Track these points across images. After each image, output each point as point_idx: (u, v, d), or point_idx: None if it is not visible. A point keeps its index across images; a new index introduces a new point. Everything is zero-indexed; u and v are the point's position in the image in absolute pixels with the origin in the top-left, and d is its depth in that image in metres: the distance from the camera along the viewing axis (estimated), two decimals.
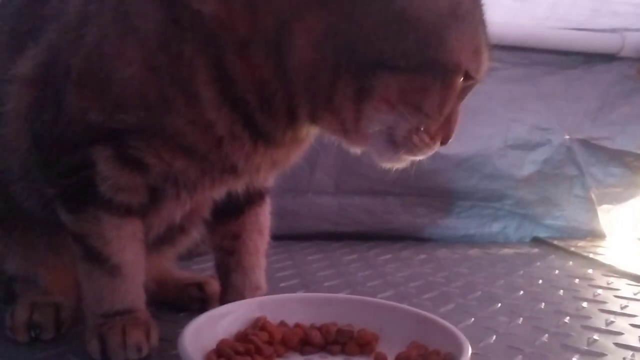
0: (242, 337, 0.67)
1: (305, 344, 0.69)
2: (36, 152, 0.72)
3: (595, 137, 1.59)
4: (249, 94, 0.64)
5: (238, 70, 0.63)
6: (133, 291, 0.74)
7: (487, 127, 1.53)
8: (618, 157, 1.60)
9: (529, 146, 1.54)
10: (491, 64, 0.64)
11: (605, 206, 1.62)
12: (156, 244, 0.80)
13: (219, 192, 0.79)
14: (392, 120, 0.61)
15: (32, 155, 0.72)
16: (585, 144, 1.59)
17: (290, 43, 0.60)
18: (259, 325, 0.69)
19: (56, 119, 0.68)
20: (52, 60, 0.70)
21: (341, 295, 0.94)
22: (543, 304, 1.01)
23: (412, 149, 0.63)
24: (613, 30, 1.59)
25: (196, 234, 0.90)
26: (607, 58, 1.62)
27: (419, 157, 0.66)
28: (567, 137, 1.57)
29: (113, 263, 0.71)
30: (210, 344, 0.65)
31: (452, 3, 0.59)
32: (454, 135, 0.65)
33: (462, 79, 0.61)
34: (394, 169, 0.68)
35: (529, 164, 1.55)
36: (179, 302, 0.89)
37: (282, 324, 0.70)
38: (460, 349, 0.60)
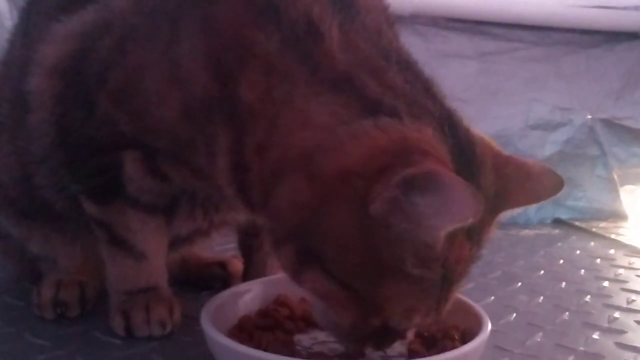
0: (264, 313, 0.68)
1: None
2: (62, 149, 0.72)
3: (618, 116, 1.57)
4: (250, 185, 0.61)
5: (250, 163, 0.59)
6: (156, 271, 0.76)
7: (507, 107, 1.52)
8: None
9: (550, 126, 1.53)
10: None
11: (627, 187, 1.60)
12: (174, 244, 0.80)
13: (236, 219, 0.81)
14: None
15: (56, 149, 0.72)
16: (608, 123, 1.57)
17: (277, 193, 0.56)
18: (280, 301, 0.70)
19: (86, 120, 0.69)
20: (82, 55, 0.69)
21: None
22: (564, 283, 1.01)
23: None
24: (636, 8, 1.56)
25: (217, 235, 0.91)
26: (630, 36, 1.59)
27: None
28: (589, 116, 1.56)
29: (138, 249, 0.73)
30: (232, 320, 0.66)
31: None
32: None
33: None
34: None
35: (550, 144, 1.53)
36: (202, 281, 0.91)
37: (303, 300, 0.71)
38: (479, 325, 0.60)
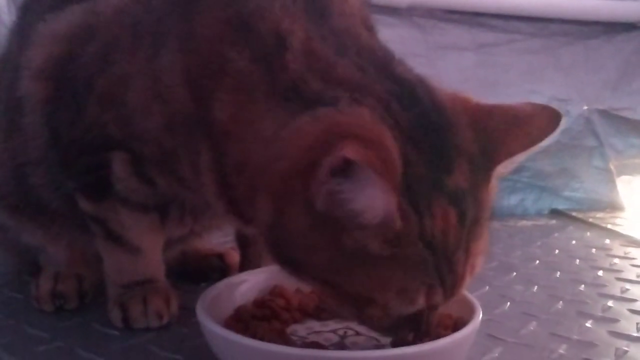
0: (260, 303, 0.69)
1: (321, 310, 0.70)
2: (54, 148, 0.73)
3: (615, 107, 1.58)
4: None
5: (233, 182, 0.59)
6: (152, 264, 0.77)
7: (505, 99, 1.48)
8: (639, 128, 1.58)
9: None
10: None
11: (624, 177, 1.60)
12: (166, 245, 0.81)
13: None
14: None
15: (50, 148, 0.74)
16: (605, 114, 1.57)
17: (256, 209, 0.56)
18: (276, 292, 0.71)
19: (74, 122, 0.69)
20: (68, 59, 0.70)
21: None
22: (559, 272, 1.02)
23: None
24: None
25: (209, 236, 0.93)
26: (627, 27, 1.59)
27: None
28: (586, 107, 1.56)
29: (133, 245, 0.74)
30: (228, 310, 0.67)
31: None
32: None
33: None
34: None
35: None
36: (200, 273, 0.91)
37: (299, 291, 0.72)
38: (471, 313, 0.61)
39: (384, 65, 0.57)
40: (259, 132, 0.55)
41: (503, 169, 0.56)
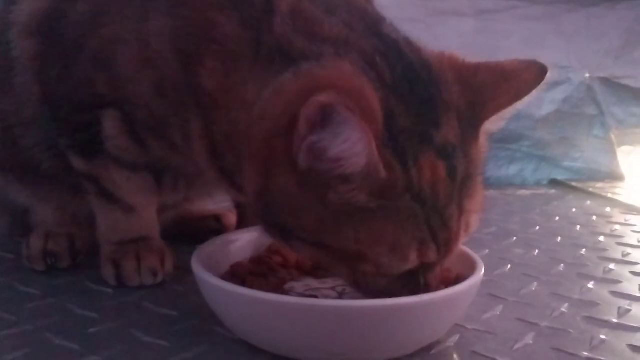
0: (257, 260, 0.68)
1: (318, 268, 0.69)
2: (45, 105, 0.72)
3: (618, 75, 1.55)
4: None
5: (223, 150, 0.59)
6: (147, 222, 0.75)
7: None
8: None
9: (548, 85, 1.48)
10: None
11: (624, 147, 1.58)
12: (160, 210, 0.79)
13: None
14: None
15: (42, 105, 0.72)
16: (606, 82, 1.55)
17: (244, 177, 0.55)
18: (273, 249, 0.69)
19: (63, 78, 0.68)
20: (56, 15, 0.69)
21: None
22: (559, 238, 1.01)
23: None
24: None
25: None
26: None
27: None
28: (588, 75, 1.53)
29: (126, 202, 0.73)
30: (225, 266, 0.65)
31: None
32: None
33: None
34: None
35: (547, 103, 1.52)
36: (197, 234, 0.89)
37: None
38: (473, 270, 0.59)
39: (373, 25, 0.56)
40: (243, 98, 0.54)
41: (491, 125, 0.56)
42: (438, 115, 0.51)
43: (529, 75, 0.56)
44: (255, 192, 0.53)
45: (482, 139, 0.55)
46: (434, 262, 0.53)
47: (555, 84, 1.52)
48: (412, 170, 0.49)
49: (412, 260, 0.51)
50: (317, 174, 0.48)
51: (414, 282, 0.54)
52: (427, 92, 0.51)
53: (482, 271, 0.58)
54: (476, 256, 0.62)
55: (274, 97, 0.50)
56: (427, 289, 0.54)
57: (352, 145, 0.45)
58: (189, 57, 0.58)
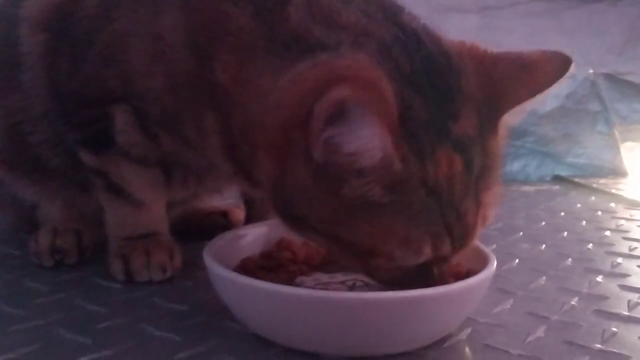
0: (266, 255, 0.67)
1: (327, 262, 0.69)
2: (54, 101, 0.72)
3: (621, 71, 1.55)
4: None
5: (239, 144, 0.58)
6: (155, 218, 0.75)
7: None
8: None
9: None
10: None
11: (628, 143, 1.58)
12: (169, 207, 0.79)
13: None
14: None
15: (51, 101, 0.72)
16: (610, 78, 1.55)
17: (259, 169, 0.55)
18: (283, 244, 0.69)
19: (73, 73, 0.68)
20: (67, 10, 0.68)
21: None
22: (565, 233, 1.01)
23: None
24: None
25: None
26: None
27: None
28: (591, 71, 1.53)
29: (135, 198, 0.72)
30: (235, 261, 0.65)
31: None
32: None
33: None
34: None
35: (551, 99, 1.52)
36: (204, 230, 0.89)
37: (306, 244, 0.70)
38: (485, 264, 0.59)
39: (391, 13, 0.55)
40: (259, 88, 0.53)
41: (511, 117, 0.55)
42: (456, 106, 0.51)
43: (551, 67, 0.55)
44: (271, 183, 0.53)
45: (502, 131, 0.55)
46: (448, 255, 0.53)
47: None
48: (428, 163, 0.48)
49: (426, 254, 0.51)
50: (332, 168, 0.47)
51: (427, 274, 0.53)
52: (446, 83, 0.51)
53: (494, 265, 0.58)
54: (488, 250, 0.62)
55: (291, 86, 0.49)
56: (441, 281, 0.54)
57: (368, 141, 0.45)
58: (202, 50, 0.58)
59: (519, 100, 0.54)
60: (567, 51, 1.58)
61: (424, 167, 0.48)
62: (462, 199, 0.51)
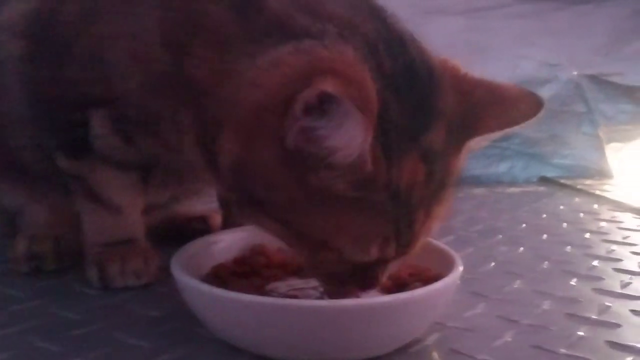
0: (240, 261, 0.68)
1: (303, 268, 0.69)
2: (33, 106, 0.72)
3: (606, 73, 1.55)
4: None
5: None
6: (132, 224, 0.75)
7: (494, 63, 1.49)
8: (629, 94, 1.56)
9: (536, 83, 1.51)
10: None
11: (613, 144, 1.59)
12: (147, 211, 0.80)
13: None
14: None
15: (30, 107, 0.72)
16: (595, 79, 1.55)
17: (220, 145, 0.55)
18: (257, 250, 0.70)
19: (52, 79, 0.68)
20: (47, 16, 0.69)
21: None
22: (545, 235, 1.01)
23: None
24: None
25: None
26: None
27: None
28: (576, 73, 1.54)
29: (112, 204, 0.73)
30: (207, 268, 0.66)
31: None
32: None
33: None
34: None
35: None
36: (182, 235, 0.89)
37: (280, 249, 0.70)
38: (450, 267, 0.59)
39: (376, 10, 0.56)
40: (234, 71, 0.53)
41: (475, 144, 0.56)
42: (429, 119, 0.52)
43: (525, 107, 0.56)
44: (232, 161, 0.52)
45: (463, 154, 0.56)
46: (390, 260, 0.54)
47: (544, 82, 1.52)
48: (395, 168, 0.49)
49: (373, 254, 0.52)
50: (302, 156, 0.48)
51: (365, 274, 0.55)
52: (424, 93, 0.51)
53: (460, 269, 0.59)
54: (455, 254, 0.63)
55: (272, 68, 0.49)
56: (376, 283, 0.56)
57: (350, 139, 0.45)
58: (179, 48, 0.58)
59: (488, 130, 0.55)
60: (554, 53, 1.57)
61: (391, 170, 0.49)
62: (417, 208, 0.52)
